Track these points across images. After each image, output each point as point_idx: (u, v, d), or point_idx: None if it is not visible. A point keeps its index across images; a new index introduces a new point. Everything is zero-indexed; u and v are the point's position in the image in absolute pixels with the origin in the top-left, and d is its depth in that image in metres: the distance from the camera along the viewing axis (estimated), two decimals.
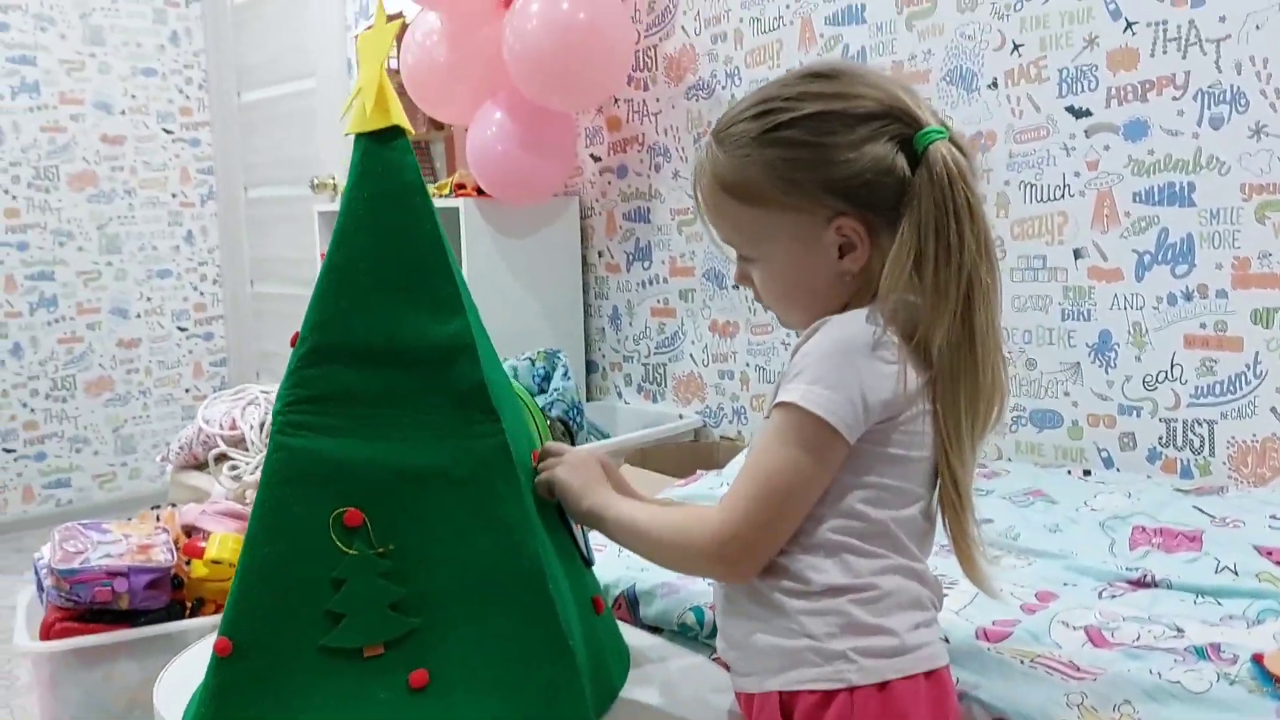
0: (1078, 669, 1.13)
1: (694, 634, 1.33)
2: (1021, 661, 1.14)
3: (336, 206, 3.23)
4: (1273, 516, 1.57)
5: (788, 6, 2.40)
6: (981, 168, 2.11)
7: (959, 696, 1.12)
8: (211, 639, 1.27)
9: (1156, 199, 1.89)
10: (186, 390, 4.51)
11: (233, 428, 2.81)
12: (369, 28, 1.13)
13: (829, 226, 0.97)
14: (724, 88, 2.55)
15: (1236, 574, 1.37)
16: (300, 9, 3.98)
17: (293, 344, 1.12)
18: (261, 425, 2.79)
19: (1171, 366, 1.89)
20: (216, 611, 2.35)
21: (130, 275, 4.32)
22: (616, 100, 2.78)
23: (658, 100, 2.71)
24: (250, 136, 4.40)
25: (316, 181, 3.86)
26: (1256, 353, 1.79)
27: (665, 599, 1.36)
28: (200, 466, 2.92)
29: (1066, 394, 2.03)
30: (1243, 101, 1.78)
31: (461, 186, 2.86)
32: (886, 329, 0.95)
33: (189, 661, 1.27)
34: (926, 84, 2.17)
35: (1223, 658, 1.13)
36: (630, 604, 1.39)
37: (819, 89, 0.98)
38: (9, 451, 4.07)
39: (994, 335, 0.98)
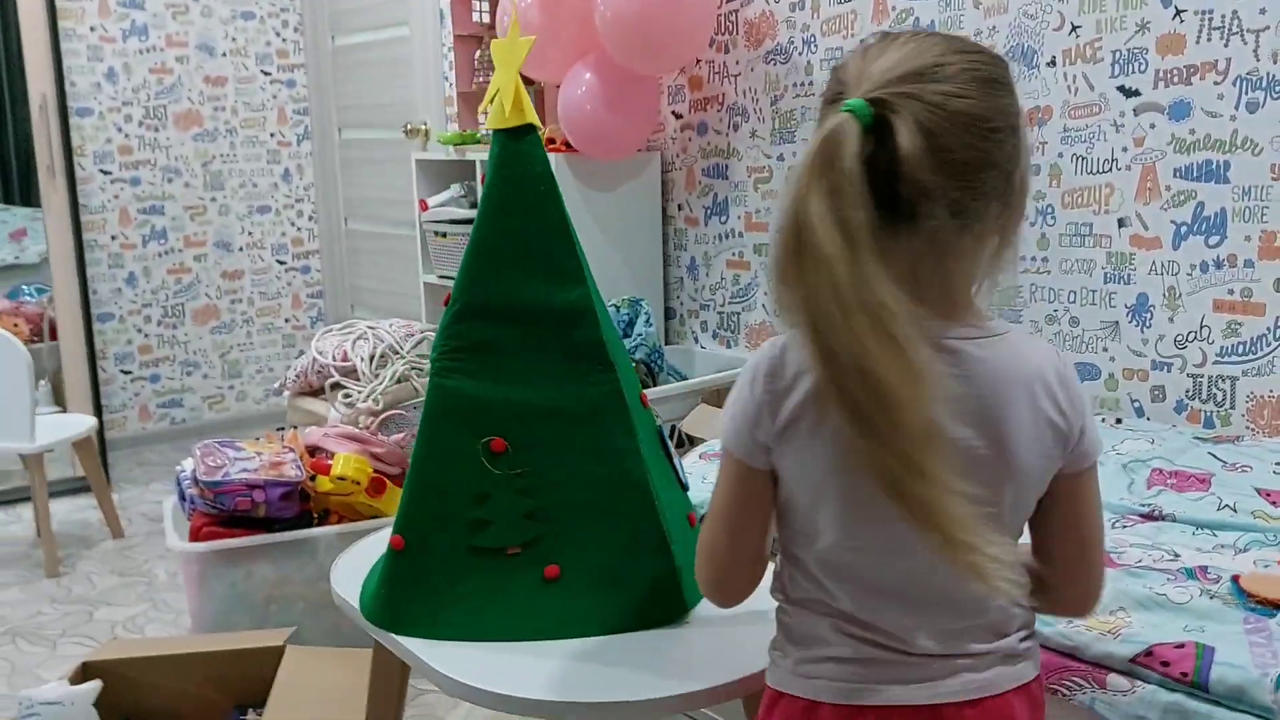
0: None
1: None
2: None
3: (431, 155, 3.49)
4: (1277, 463, 1.78)
5: None
6: (1036, 140, 2.29)
7: None
8: (377, 537, 1.57)
9: (1195, 175, 2.07)
10: (286, 320, 4.84)
11: (344, 359, 3.10)
12: (504, 37, 1.36)
13: None
14: (800, 54, 2.74)
15: (1235, 511, 1.59)
16: None
17: (445, 304, 1.38)
18: (371, 358, 3.08)
19: (1201, 328, 2.09)
20: (340, 521, 2.68)
21: (233, 210, 4.63)
22: (699, 61, 2.98)
23: (738, 63, 2.90)
24: (343, 80, 4.65)
25: (410, 127, 4.12)
26: (1277, 317, 1.98)
27: None
28: (315, 393, 3.23)
29: (1105, 349, 2.23)
30: (1277, 89, 1.94)
31: (551, 141, 3.09)
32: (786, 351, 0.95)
33: (355, 553, 1.56)
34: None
35: (1209, 578, 1.36)
36: None
37: None
38: (126, 373, 4.43)
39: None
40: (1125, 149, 2.16)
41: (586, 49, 2.86)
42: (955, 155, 0.86)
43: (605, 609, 1.30)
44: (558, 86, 3.22)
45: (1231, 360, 2.05)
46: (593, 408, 1.33)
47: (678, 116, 3.10)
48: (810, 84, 2.73)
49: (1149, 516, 1.61)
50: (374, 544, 1.56)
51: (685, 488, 1.45)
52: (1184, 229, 2.10)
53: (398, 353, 3.15)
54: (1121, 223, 2.19)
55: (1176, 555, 1.44)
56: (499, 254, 1.34)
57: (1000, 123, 0.89)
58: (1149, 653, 1.21)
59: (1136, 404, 2.20)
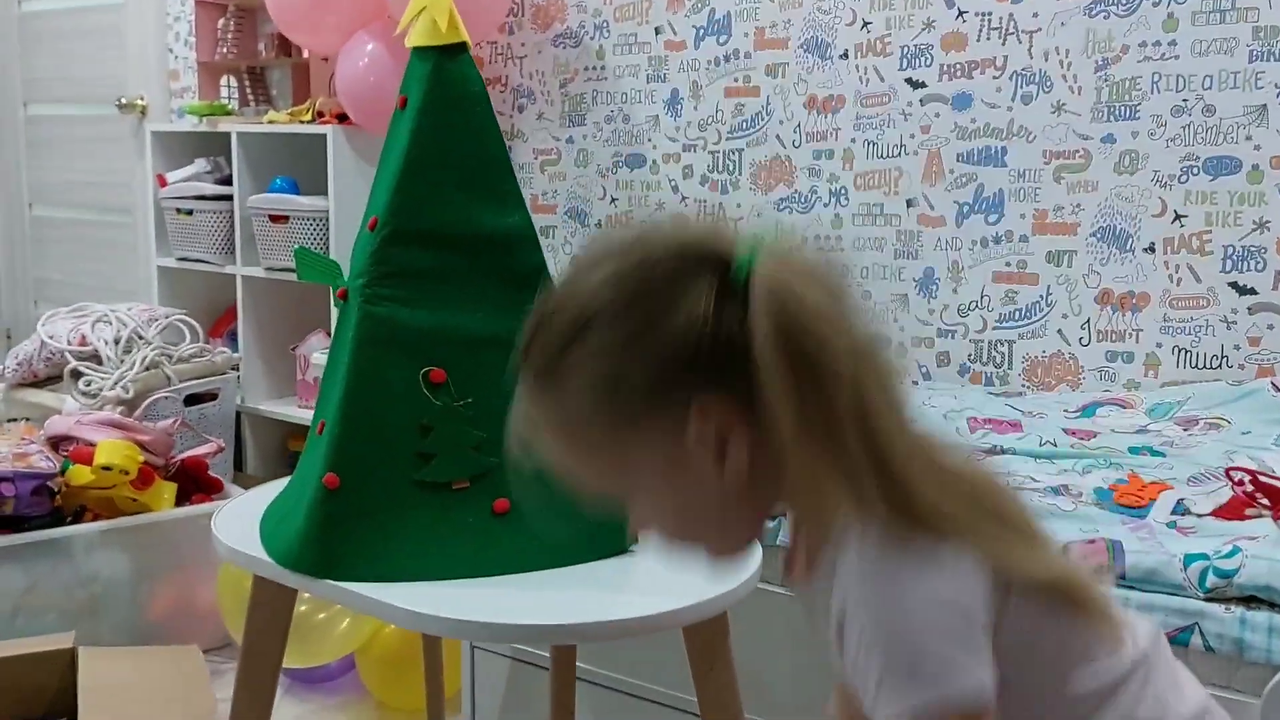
0: None
1: None
2: None
3: (165, 127, 3.21)
4: (1064, 410, 2.02)
5: None
6: (831, 127, 2.46)
7: None
8: (273, 486, 1.43)
9: (976, 159, 2.31)
10: None
11: (83, 344, 2.76)
12: None
13: (686, 422, 0.73)
14: (592, 38, 2.78)
15: (1056, 445, 1.79)
16: None
17: (371, 228, 1.28)
18: (117, 341, 2.76)
19: (981, 297, 2.32)
20: (97, 519, 2.38)
21: None
22: (480, 43, 2.93)
23: (523, 45, 2.89)
24: (32, 52, 4.17)
25: (124, 101, 3.75)
26: (1049, 286, 2.24)
27: None
28: (40, 383, 2.85)
29: (895, 320, 2.43)
30: (1048, 84, 2.21)
31: (321, 114, 2.93)
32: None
33: (238, 506, 1.40)
34: (786, 49, 2.50)
35: (1071, 493, 1.52)
36: None
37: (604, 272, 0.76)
38: None
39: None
40: (913, 135, 2.37)
41: (370, 18, 2.74)
42: None
43: (557, 542, 1.26)
44: (324, 59, 3.06)
45: (1009, 326, 2.30)
46: None
47: None
48: (602, 68, 2.78)
49: (990, 451, 1.77)
50: (256, 498, 1.41)
51: None
52: (966, 208, 2.33)
53: (143, 338, 2.85)
54: (910, 203, 2.39)
55: (1035, 479, 1.59)
56: (434, 176, 1.27)
57: None
58: (1064, 550, 1.33)
59: (924, 369, 2.41)
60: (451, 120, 1.28)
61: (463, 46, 1.30)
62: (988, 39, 2.27)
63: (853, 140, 2.45)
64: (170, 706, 1.69)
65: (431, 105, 1.28)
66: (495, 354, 1.24)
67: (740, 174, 2.60)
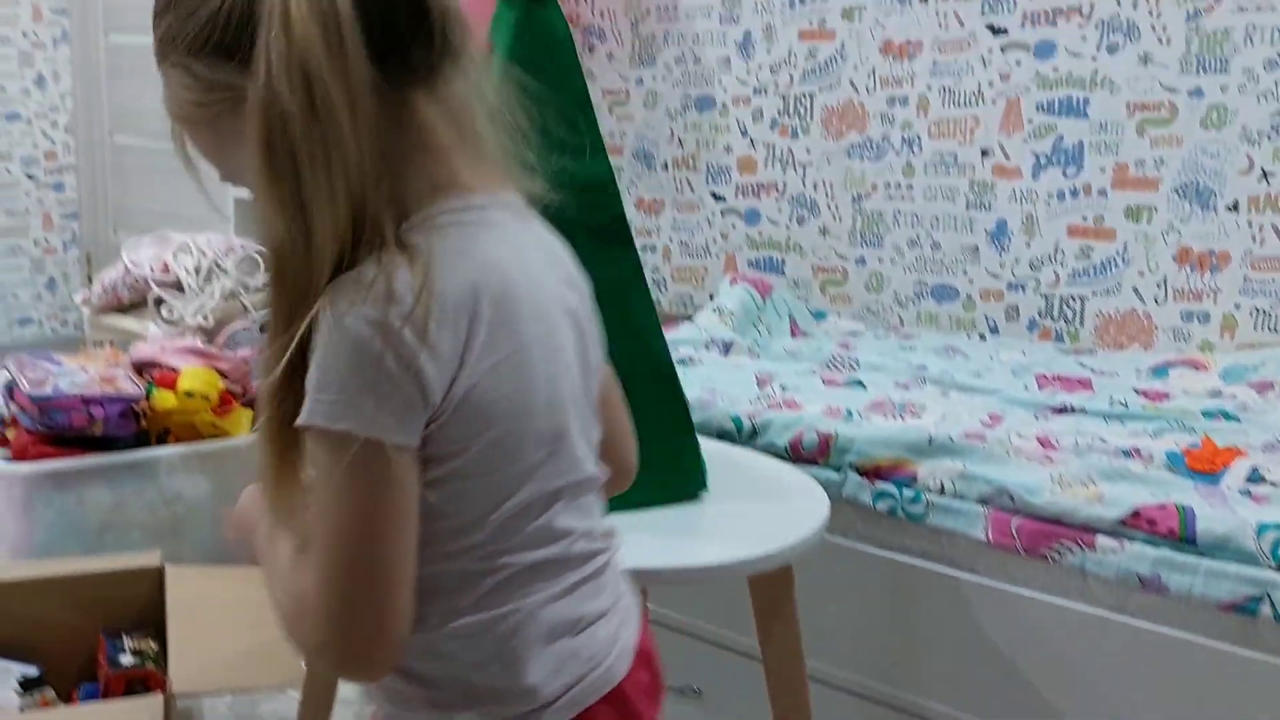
0: (1050, 458, 1.49)
1: (734, 439, 1.61)
2: (1006, 452, 1.50)
3: None
4: (1136, 370, 2.01)
5: None
6: (907, 72, 2.43)
7: (968, 479, 1.46)
8: None
9: (1057, 110, 2.27)
10: (35, 242, 4.35)
11: (165, 271, 2.84)
12: None
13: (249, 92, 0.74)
14: None
15: (1126, 406, 1.78)
16: None
17: None
18: (197, 270, 2.84)
19: (1055, 251, 2.30)
20: (178, 441, 2.46)
21: None
22: None
23: None
24: None
25: None
26: (1126, 243, 2.21)
27: (704, 411, 1.64)
28: (124, 309, 2.94)
29: (965, 272, 2.41)
30: (1135, 33, 2.16)
31: None
32: None
33: None
34: None
35: (1142, 456, 1.52)
36: None
37: None
38: None
39: None
40: (991, 84, 2.33)
41: None
42: None
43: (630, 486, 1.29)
44: None
45: (1082, 281, 2.27)
46: (615, 284, 1.29)
47: None
48: (675, 8, 2.75)
49: (1061, 410, 1.76)
50: None
51: None
52: (1043, 159, 2.29)
53: (222, 268, 2.92)
54: (985, 153, 2.36)
55: (1105, 440, 1.59)
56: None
57: None
58: (1135, 514, 1.34)
59: (992, 323, 2.39)
60: (538, 68, 1.28)
61: None
62: None
63: (928, 87, 2.42)
64: (257, 624, 1.76)
65: (519, 54, 1.29)
66: None
67: (811, 119, 2.58)
